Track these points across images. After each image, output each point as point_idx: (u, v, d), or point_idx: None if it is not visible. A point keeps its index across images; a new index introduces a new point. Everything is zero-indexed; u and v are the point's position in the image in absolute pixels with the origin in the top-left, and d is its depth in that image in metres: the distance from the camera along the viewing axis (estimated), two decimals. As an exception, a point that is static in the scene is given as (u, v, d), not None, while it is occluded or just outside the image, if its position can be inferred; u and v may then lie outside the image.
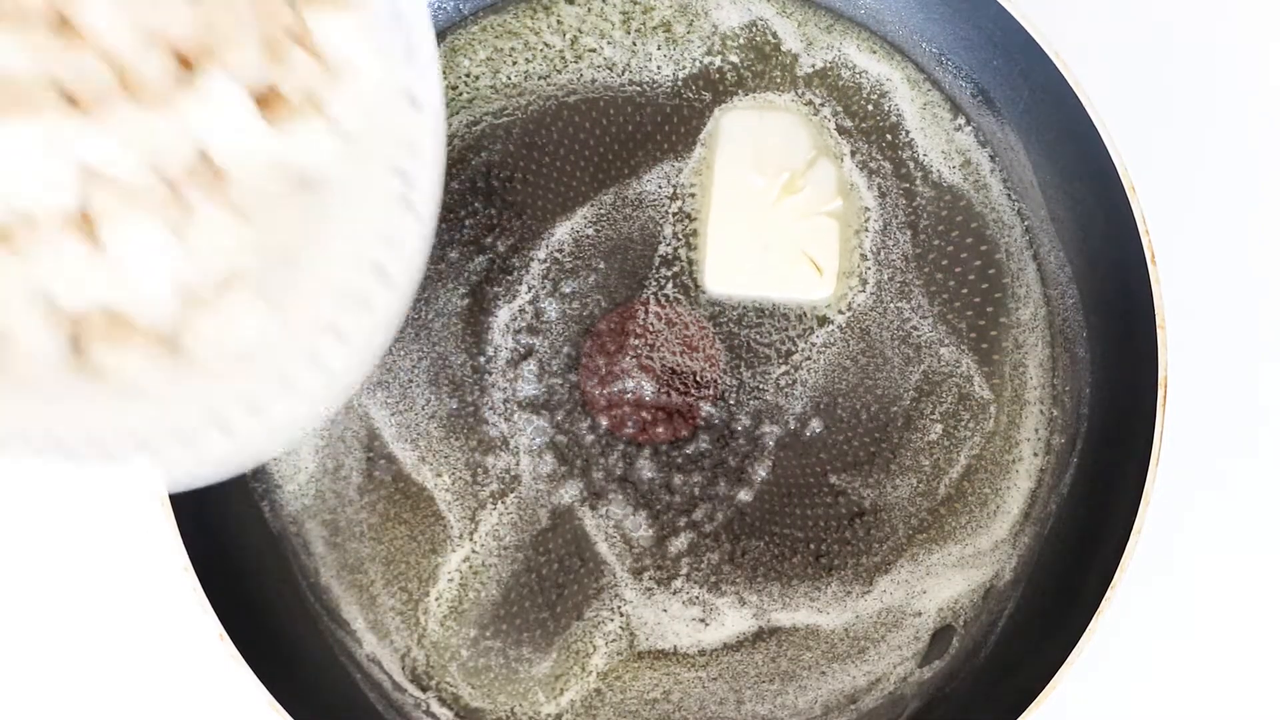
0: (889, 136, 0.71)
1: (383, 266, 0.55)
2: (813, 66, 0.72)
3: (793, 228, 0.70)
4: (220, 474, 0.52)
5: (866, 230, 0.70)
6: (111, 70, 0.48)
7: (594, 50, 0.71)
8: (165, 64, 0.49)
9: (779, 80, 0.71)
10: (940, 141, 0.71)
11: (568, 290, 0.70)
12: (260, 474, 0.69)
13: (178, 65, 0.50)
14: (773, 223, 0.70)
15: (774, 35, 0.72)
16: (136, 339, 0.52)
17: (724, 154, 0.70)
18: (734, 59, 0.71)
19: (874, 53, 0.72)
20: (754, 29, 0.72)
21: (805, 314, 0.70)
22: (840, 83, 0.71)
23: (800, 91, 0.71)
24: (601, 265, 0.70)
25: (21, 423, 0.49)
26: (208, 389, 0.53)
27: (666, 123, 0.71)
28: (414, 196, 0.56)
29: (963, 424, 0.70)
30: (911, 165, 0.71)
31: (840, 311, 0.70)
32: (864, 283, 0.70)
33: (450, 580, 0.69)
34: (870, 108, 0.71)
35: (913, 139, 0.71)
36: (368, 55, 0.54)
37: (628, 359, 0.70)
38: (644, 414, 0.69)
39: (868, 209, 0.70)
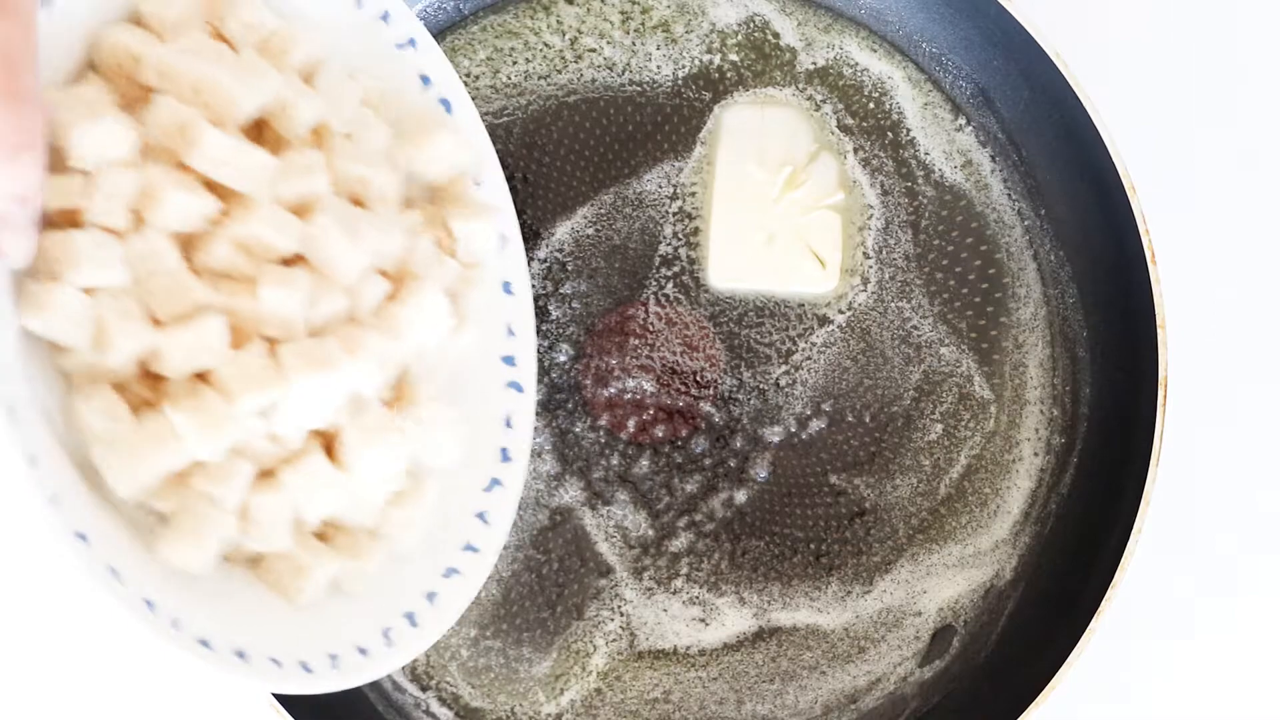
0: (890, 135, 0.71)
1: (507, 449, 0.60)
2: (813, 64, 0.72)
3: (796, 222, 0.70)
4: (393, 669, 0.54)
5: (869, 228, 0.70)
6: (348, 301, 0.52)
7: (594, 50, 0.71)
8: (383, 288, 0.53)
9: (779, 78, 0.71)
10: (942, 141, 0.71)
11: (568, 290, 0.70)
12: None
13: (391, 286, 0.54)
14: (776, 217, 0.70)
15: (774, 34, 0.72)
16: (360, 544, 0.55)
17: (725, 149, 0.71)
18: (734, 57, 0.71)
19: (874, 51, 0.72)
20: (753, 27, 0.72)
21: (805, 314, 0.70)
22: (841, 81, 0.72)
23: (801, 87, 0.71)
24: (601, 265, 0.70)
25: (298, 647, 0.51)
26: (392, 586, 0.55)
27: (666, 122, 0.71)
28: (520, 377, 0.61)
29: (963, 424, 0.70)
30: (914, 164, 0.71)
31: (840, 311, 0.70)
32: (865, 282, 0.70)
33: (450, 580, 0.69)
34: (872, 106, 0.71)
35: (914, 138, 0.71)
36: (492, 253, 0.59)
37: (628, 359, 0.70)
38: (644, 414, 0.69)
39: (870, 207, 0.70)
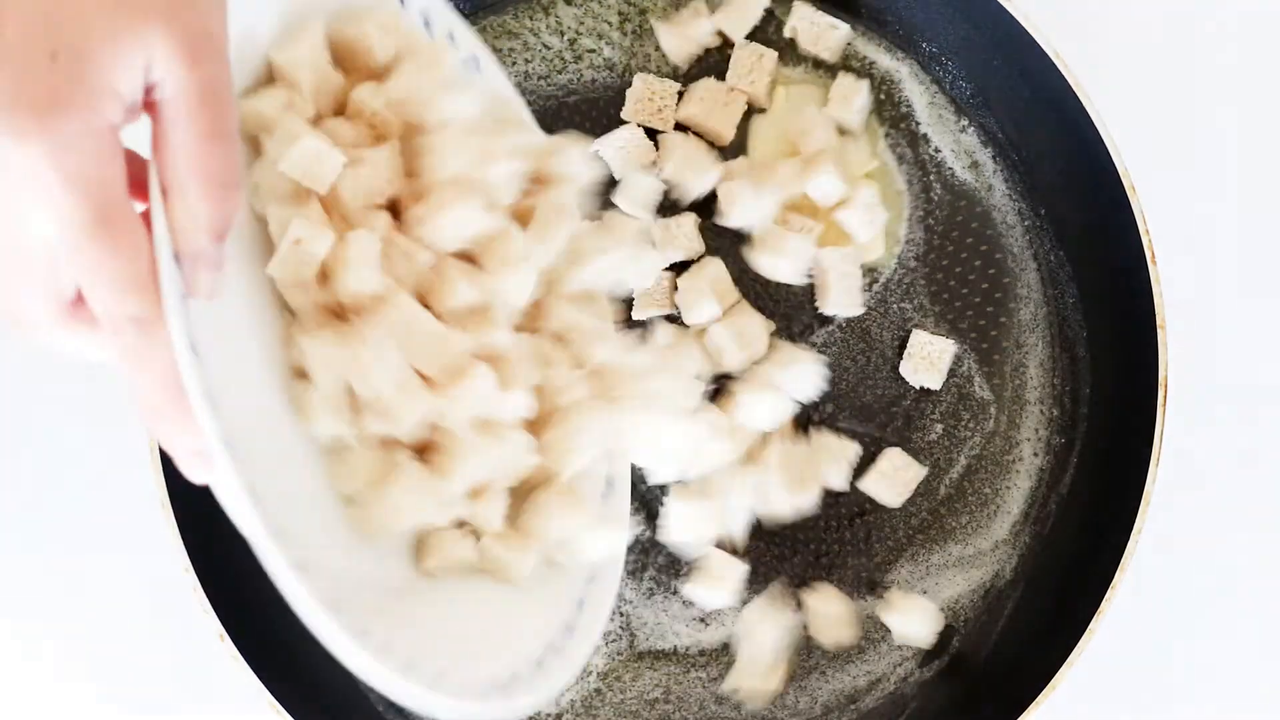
0: (903, 125, 0.71)
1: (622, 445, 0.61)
2: (818, 57, 0.71)
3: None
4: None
5: (901, 219, 0.70)
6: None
7: (593, 51, 0.71)
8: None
9: (785, 69, 0.71)
10: (949, 140, 0.71)
11: (568, 290, 0.70)
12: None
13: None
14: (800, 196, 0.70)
15: (773, 29, 0.72)
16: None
17: (756, 131, 0.70)
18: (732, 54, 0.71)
19: (878, 47, 0.72)
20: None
21: (806, 313, 0.70)
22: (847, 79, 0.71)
23: (809, 70, 0.71)
24: (601, 265, 0.70)
25: (500, 662, 0.52)
26: (555, 588, 0.57)
27: (666, 122, 0.71)
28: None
29: (963, 424, 0.70)
30: (927, 161, 0.71)
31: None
32: (872, 282, 0.70)
33: (450, 580, 0.68)
34: (883, 98, 0.71)
35: (926, 134, 0.71)
36: None
37: (628, 359, 0.69)
38: (644, 414, 0.69)
39: (900, 192, 0.70)
